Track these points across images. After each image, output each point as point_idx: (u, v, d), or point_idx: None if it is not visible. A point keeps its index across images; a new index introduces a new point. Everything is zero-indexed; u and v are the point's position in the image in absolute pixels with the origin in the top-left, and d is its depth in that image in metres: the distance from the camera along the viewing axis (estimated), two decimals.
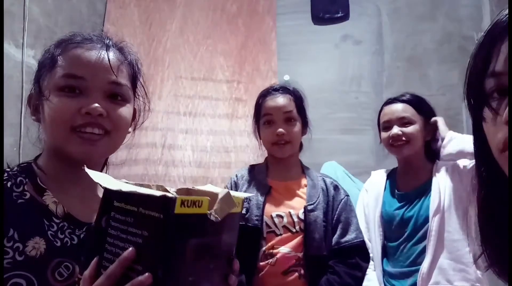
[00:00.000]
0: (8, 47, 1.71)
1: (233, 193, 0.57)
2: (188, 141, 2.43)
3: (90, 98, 0.68)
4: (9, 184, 0.64)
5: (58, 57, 0.70)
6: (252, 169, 1.43)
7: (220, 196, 0.54)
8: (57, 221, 0.66)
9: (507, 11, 0.44)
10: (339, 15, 2.87)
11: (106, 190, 0.53)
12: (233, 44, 2.66)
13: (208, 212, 0.52)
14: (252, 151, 2.43)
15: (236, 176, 1.42)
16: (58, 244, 0.65)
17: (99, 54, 0.71)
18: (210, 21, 2.69)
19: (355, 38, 2.86)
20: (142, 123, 0.83)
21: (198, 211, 0.51)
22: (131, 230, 0.50)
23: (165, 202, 0.48)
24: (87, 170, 0.54)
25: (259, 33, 2.70)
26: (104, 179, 0.53)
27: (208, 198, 0.53)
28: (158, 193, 0.49)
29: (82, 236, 0.69)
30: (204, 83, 2.56)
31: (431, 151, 1.54)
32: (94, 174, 0.54)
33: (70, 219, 0.68)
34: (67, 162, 0.71)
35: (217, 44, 2.64)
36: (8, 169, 0.68)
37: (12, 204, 0.62)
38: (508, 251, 0.44)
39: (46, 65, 0.71)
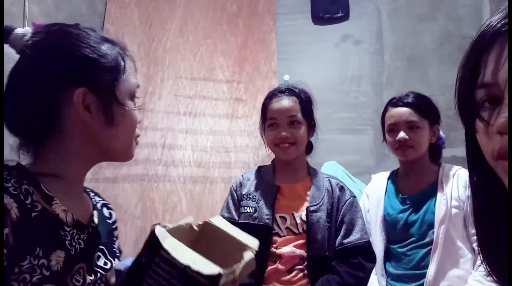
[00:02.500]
0: (8, 47, 1.71)
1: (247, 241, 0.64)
2: (188, 141, 2.43)
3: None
4: (21, 196, 0.60)
5: (126, 64, 0.73)
6: (259, 170, 1.44)
7: (246, 260, 0.61)
8: (68, 229, 0.66)
9: (490, 20, 0.44)
10: (339, 15, 2.87)
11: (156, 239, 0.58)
12: (233, 44, 2.66)
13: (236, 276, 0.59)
14: (252, 151, 2.43)
15: (242, 176, 1.42)
16: (73, 252, 0.65)
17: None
18: (210, 21, 2.69)
19: (355, 38, 2.86)
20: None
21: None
22: (173, 282, 0.54)
23: (215, 278, 0.54)
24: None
25: (259, 33, 2.70)
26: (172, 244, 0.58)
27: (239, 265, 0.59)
28: (211, 269, 0.54)
29: (85, 238, 0.69)
30: (204, 83, 2.56)
31: (436, 153, 1.54)
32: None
33: (78, 226, 0.69)
34: (93, 163, 0.75)
35: (217, 44, 2.64)
36: (7, 173, 0.63)
37: (29, 219, 0.59)
38: (508, 254, 0.45)
39: (120, 69, 0.72)
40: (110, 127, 0.69)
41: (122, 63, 0.72)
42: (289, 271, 1.25)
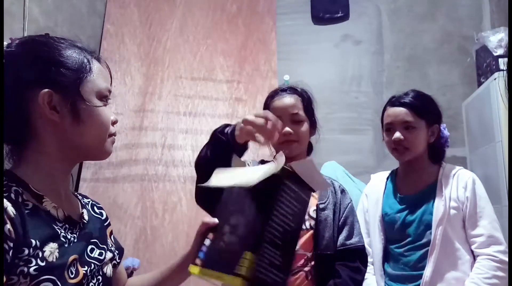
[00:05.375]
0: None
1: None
2: (188, 141, 2.43)
3: (110, 109, 0.80)
4: (12, 195, 0.65)
5: (92, 66, 0.76)
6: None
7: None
8: (60, 224, 0.70)
9: None
10: (339, 15, 2.87)
11: (286, 169, 0.76)
12: (233, 44, 2.66)
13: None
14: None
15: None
16: (66, 245, 0.69)
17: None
18: (210, 21, 2.69)
19: (355, 38, 2.86)
20: None
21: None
22: (290, 202, 0.75)
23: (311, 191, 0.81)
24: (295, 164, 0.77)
25: (259, 33, 2.70)
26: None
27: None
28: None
29: (78, 233, 0.74)
30: (204, 83, 2.56)
31: (435, 152, 1.53)
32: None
33: (69, 221, 0.73)
34: (73, 161, 0.78)
35: (217, 44, 2.64)
36: None
37: (23, 215, 0.64)
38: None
39: (85, 69, 0.75)
40: (78, 125, 0.73)
41: (88, 65, 0.75)
42: (293, 272, 1.22)
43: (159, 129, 2.43)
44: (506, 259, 1.32)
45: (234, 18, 2.72)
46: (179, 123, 2.46)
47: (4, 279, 0.59)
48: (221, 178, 0.80)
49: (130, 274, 1.90)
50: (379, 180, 1.61)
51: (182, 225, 2.23)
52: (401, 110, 1.47)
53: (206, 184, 0.78)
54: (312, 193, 1.34)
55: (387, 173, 1.63)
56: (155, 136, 2.41)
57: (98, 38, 2.54)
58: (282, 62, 2.70)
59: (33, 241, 0.63)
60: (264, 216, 0.71)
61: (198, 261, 0.74)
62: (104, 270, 0.78)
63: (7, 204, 0.62)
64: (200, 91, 2.54)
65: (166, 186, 2.31)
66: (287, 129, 1.30)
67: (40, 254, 0.63)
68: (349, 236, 1.29)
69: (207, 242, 0.75)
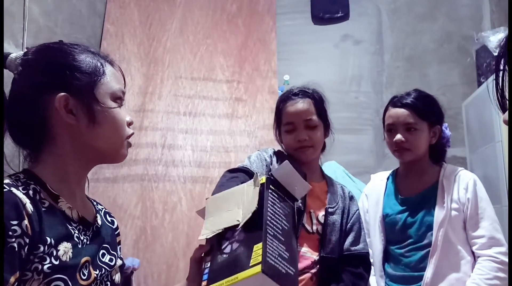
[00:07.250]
0: (8, 47, 1.71)
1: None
2: (188, 141, 2.43)
3: (125, 110, 0.81)
4: (30, 192, 0.66)
5: (105, 69, 0.78)
6: (279, 155, 1.37)
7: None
8: (74, 225, 0.72)
9: None
10: (339, 15, 2.87)
11: (269, 178, 0.83)
12: (233, 44, 2.66)
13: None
14: (252, 151, 2.43)
15: (270, 156, 1.35)
16: (80, 246, 0.71)
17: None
18: (210, 21, 2.69)
19: (355, 38, 2.86)
20: None
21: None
22: (280, 204, 0.80)
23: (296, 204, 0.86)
24: None
25: (259, 33, 2.70)
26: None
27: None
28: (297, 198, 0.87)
29: (90, 236, 0.75)
30: (204, 83, 2.56)
31: (436, 153, 1.53)
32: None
33: (83, 222, 0.75)
34: (89, 164, 0.79)
35: (217, 44, 2.64)
36: (15, 177, 0.70)
37: (40, 213, 0.65)
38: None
39: (98, 72, 0.76)
40: (94, 126, 0.74)
41: (101, 69, 0.77)
42: (300, 273, 1.21)
43: (159, 129, 2.43)
44: (507, 260, 1.32)
45: (234, 18, 2.72)
46: (179, 123, 2.46)
47: (18, 274, 0.59)
48: (213, 223, 0.79)
49: (130, 274, 1.90)
50: (379, 181, 1.61)
51: (182, 225, 2.23)
52: (403, 111, 1.46)
53: (202, 236, 0.77)
54: (320, 196, 1.36)
55: (387, 173, 1.63)
56: (155, 136, 2.41)
57: (98, 38, 2.54)
58: (282, 62, 2.70)
59: (48, 239, 0.64)
60: (260, 218, 0.71)
61: (204, 283, 0.69)
62: (113, 277, 0.79)
63: (26, 200, 0.63)
64: (200, 91, 2.54)
65: (166, 186, 2.31)
66: (302, 136, 1.30)
67: (55, 253, 0.65)
68: (355, 242, 1.30)
69: (206, 265, 0.73)
